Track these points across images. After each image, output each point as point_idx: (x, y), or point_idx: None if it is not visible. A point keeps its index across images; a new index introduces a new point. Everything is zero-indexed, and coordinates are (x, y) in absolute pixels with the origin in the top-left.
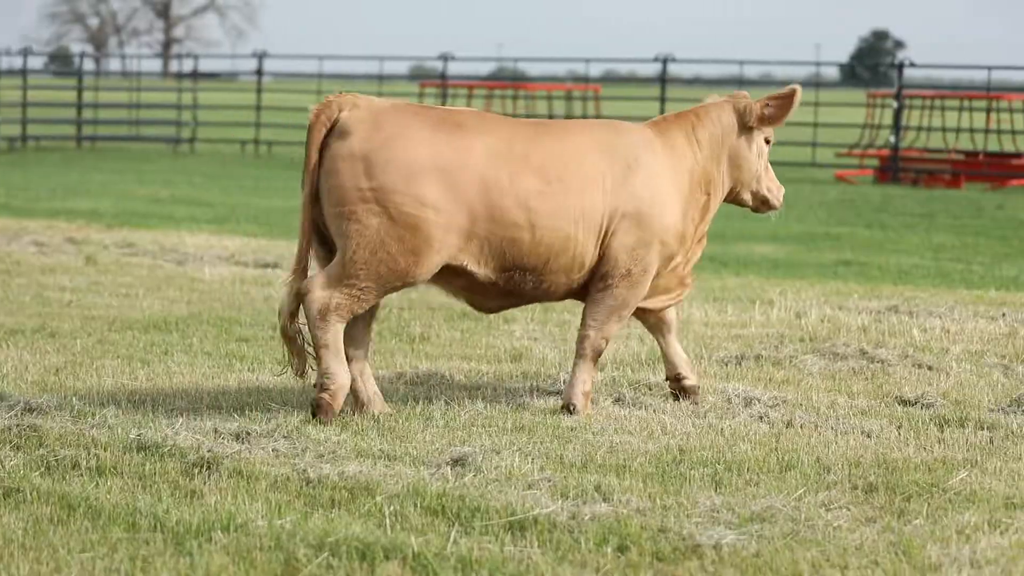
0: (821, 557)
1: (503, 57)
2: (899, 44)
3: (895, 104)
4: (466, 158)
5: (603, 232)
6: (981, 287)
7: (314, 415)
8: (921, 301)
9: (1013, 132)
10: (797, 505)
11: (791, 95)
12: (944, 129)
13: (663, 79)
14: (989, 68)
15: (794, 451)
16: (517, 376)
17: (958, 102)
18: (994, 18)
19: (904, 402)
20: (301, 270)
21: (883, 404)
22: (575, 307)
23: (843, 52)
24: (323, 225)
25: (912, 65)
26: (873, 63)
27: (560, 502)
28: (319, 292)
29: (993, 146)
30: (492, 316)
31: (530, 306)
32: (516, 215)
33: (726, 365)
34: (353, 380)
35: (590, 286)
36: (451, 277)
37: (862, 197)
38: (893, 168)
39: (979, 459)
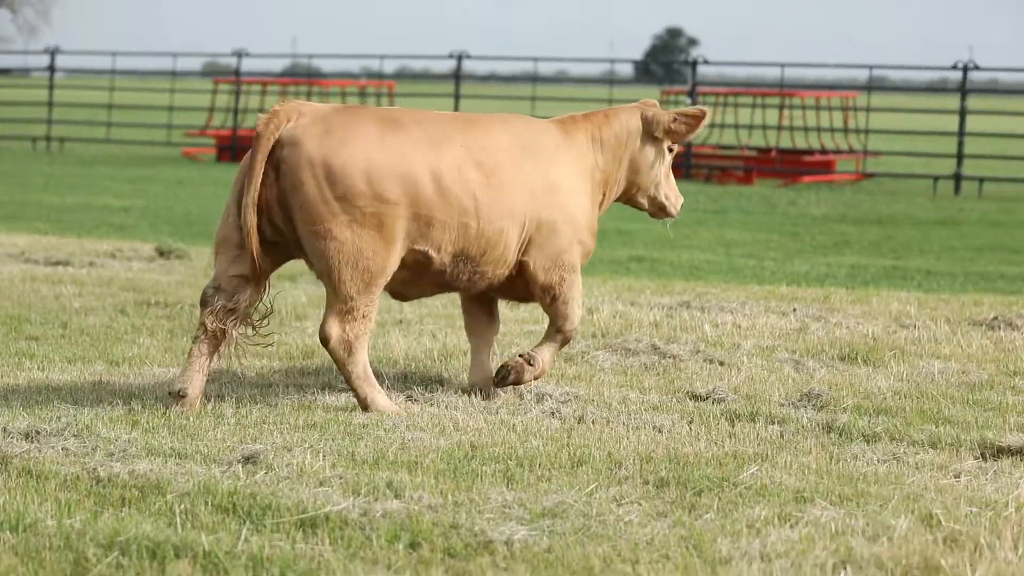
0: (612, 552)
1: (297, 54)
2: (692, 41)
3: (689, 101)
4: (416, 152)
5: (524, 230)
6: (772, 283)
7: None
8: (713, 297)
9: (805, 129)
10: (589, 500)
11: (701, 116)
12: (737, 126)
13: (457, 76)
14: (782, 65)
15: (585, 446)
16: (309, 373)
17: (751, 99)
18: (786, 16)
19: (695, 397)
20: (256, 279)
21: (675, 399)
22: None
23: (637, 49)
24: (274, 234)
25: (706, 62)
26: (667, 60)
27: (352, 499)
28: (337, 333)
29: (785, 143)
30: (283, 314)
31: (322, 304)
32: (467, 203)
33: None
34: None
35: (537, 299)
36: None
37: None
38: (685, 165)
39: (770, 453)
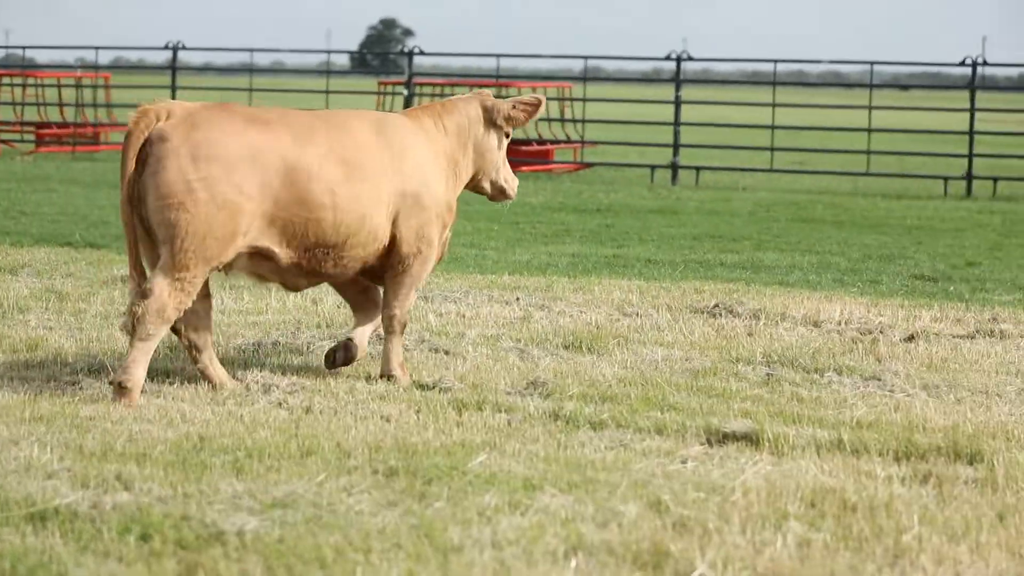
0: (344, 541)
1: (11, 45)
2: (408, 32)
3: (405, 92)
4: (276, 148)
5: (391, 211)
6: (495, 272)
7: (116, 399)
8: (436, 286)
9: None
10: (319, 490)
11: (538, 104)
12: None
13: (174, 67)
14: (498, 56)
15: (314, 437)
16: (33, 366)
17: (467, 90)
18: (502, 8)
19: (422, 386)
20: (139, 273)
21: (400, 388)
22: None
23: (353, 40)
24: (144, 224)
25: (421, 53)
26: (383, 51)
27: (81, 492)
28: (159, 293)
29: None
30: (5, 307)
31: (44, 296)
32: (323, 199)
33: (243, 352)
34: (205, 367)
35: (387, 268)
36: (260, 261)
37: None
38: None
39: (498, 441)
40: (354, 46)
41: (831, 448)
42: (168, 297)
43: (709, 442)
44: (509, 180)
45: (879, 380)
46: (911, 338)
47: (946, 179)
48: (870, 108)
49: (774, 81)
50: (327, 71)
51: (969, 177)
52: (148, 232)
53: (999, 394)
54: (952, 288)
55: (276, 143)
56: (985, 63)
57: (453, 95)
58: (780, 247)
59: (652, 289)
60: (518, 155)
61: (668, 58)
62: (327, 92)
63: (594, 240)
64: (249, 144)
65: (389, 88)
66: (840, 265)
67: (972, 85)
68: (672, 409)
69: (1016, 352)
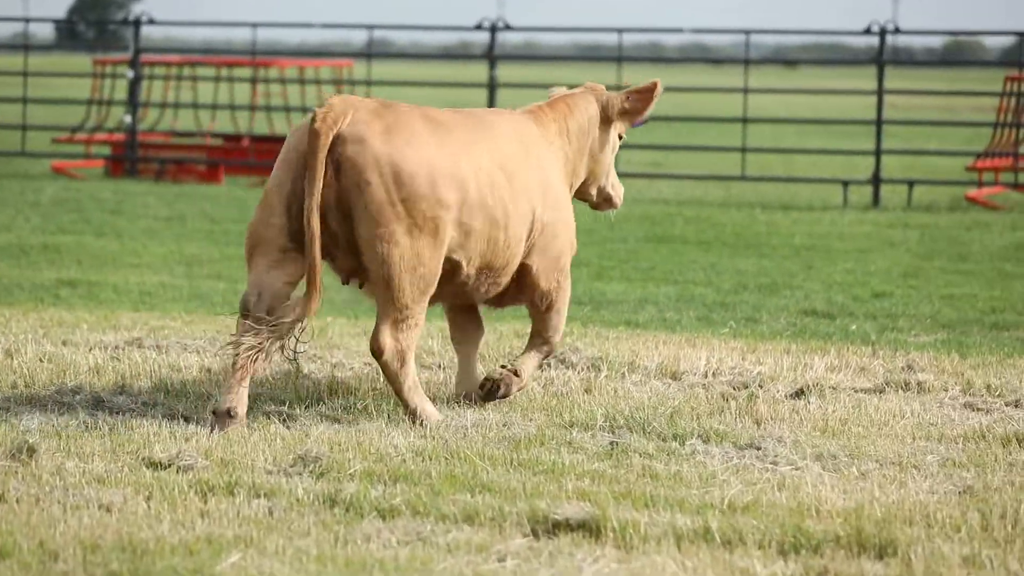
0: None
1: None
2: None
3: (131, 73)
4: (466, 156)
5: (531, 234)
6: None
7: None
8: (172, 331)
9: (287, 109)
10: None
11: (652, 89)
12: (197, 106)
13: None
14: (254, 25)
15: (9, 534)
16: None
17: (214, 70)
18: None
19: (154, 464)
20: (316, 292)
21: (126, 468)
22: None
23: (58, 6)
24: (335, 238)
25: (151, 22)
26: (99, 19)
27: None
28: (391, 344)
29: (261, 128)
30: None
31: None
32: (498, 213)
33: None
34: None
35: (530, 306)
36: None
37: (90, 196)
38: (130, 158)
39: (255, 536)
40: (60, 12)
41: (695, 539)
42: (399, 341)
43: (535, 533)
44: (616, 187)
45: (758, 449)
46: (800, 393)
47: (846, 183)
48: (746, 91)
49: (619, 56)
50: (24, 46)
51: (876, 181)
52: (337, 241)
53: (916, 466)
54: (854, 327)
55: (460, 148)
56: (897, 31)
57: (195, 78)
58: (628, 275)
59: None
60: (228, 154)
61: (479, 27)
62: (25, 75)
63: None
64: (441, 150)
65: (111, 68)
66: (707, 298)
67: (880, 59)
68: (486, 490)
69: (938, 411)
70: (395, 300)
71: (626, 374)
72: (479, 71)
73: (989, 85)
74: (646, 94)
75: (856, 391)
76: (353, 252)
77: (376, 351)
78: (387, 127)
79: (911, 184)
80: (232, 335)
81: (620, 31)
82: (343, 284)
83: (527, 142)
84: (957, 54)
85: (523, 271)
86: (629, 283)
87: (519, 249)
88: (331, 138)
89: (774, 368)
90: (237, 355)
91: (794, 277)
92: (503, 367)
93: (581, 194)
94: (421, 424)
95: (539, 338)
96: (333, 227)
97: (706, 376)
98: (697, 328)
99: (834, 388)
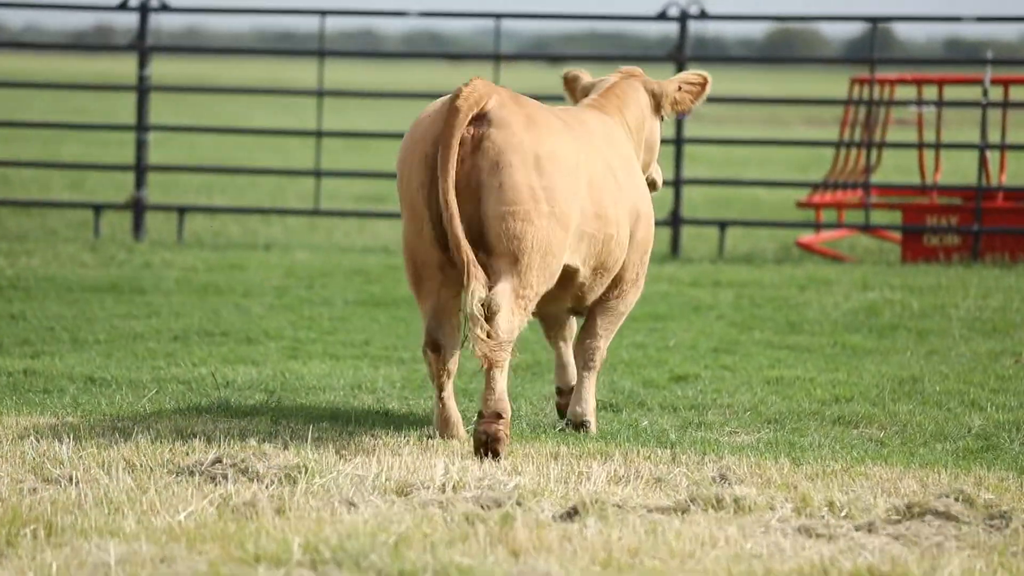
0: None
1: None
2: None
3: None
4: (583, 157)
5: (629, 231)
6: None
7: (487, 450)
8: None
9: None
10: None
11: (703, 83)
12: None
13: None
14: None
15: None
16: None
17: None
18: None
19: None
20: (471, 268)
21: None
22: None
23: None
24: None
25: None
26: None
27: None
28: (507, 307)
29: None
30: None
31: None
32: (611, 212)
33: None
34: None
35: (600, 296)
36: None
37: None
38: None
39: None
40: None
41: None
42: (513, 315)
43: None
44: (657, 173)
45: None
46: (573, 514)
47: None
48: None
49: (321, 51)
50: None
51: (676, 221)
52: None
53: None
54: (646, 423)
55: (588, 145)
56: (704, 15)
57: None
58: (334, 351)
59: (101, 431)
60: None
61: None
62: None
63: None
64: (575, 147)
65: None
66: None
67: (680, 54)
68: None
69: (763, 537)
70: (521, 275)
71: (334, 488)
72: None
73: (829, 89)
74: (697, 88)
75: (650, 510)
76: (476, 242)
77: (492, 307)
78: (528, 116)
79: (723, 226)
80: (432, 369)
81: (323, 13)
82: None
83: (615, 139)
84: (786, 47)
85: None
86: (336, 362)
87: (626, 247)
88: (469, 118)
89: (537, 479)
90: (442, 389)
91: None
92: (568, 421)
93: None
94: (501, 404)
95: (591, 340)
96: (461, 205)
97: (444, 491)
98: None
99: (619, 507)
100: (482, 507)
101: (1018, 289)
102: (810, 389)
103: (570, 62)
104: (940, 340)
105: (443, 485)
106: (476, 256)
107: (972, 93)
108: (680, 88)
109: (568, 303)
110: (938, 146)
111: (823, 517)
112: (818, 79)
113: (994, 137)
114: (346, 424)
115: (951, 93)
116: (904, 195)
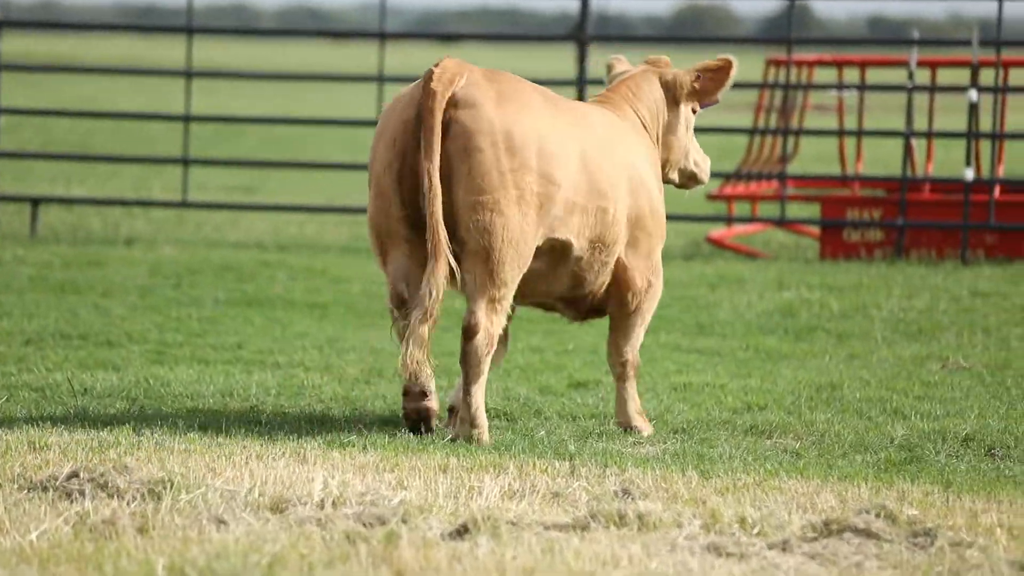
0: None
1: None
2: None
3: None
4: (573, 133)
5: (626, 229)
6: None
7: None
8: None
9: None
10: None
11: (726, 68)
12: None
13: None
14: None
15: None
16: None
17: None
18: None
19: None
20: (442, 255)
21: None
22: None
23: None
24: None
25: None
26: None
27: None
28: (485, 325)
29: None
30: None
31: None
32: (605, 186)
33: None
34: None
35: (613, 307)
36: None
37: None
38: None
39: None
40: None
41: None
42: (491, 324)
43: None
44: (700, 163)
45: None
46: (463, 531)
47: None
48: (380, 79)
49: (189, 27)
50: None
51: None
52: (423, 216)
53: None
54: (543, 433)
55: (573, 123)
56: None
57: None
58: (203, 356)
59: None
60: None
61: None
62: None
63: None
64: (554, 124)
65: None
66: (325, 390)
67: (581, 34)
68: None
69: (669, 556)
70: (494, 275)
71: (202, 504)
72: None
73: (742, 72)
74: (720, 74)
75: (547, 528)
76: (449, 232)
77: (470, 330)
78: (500, 93)
79: None
80: (398, 335)
81: None
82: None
83: (617, 134)
84: (695, 26)
85: (616, 267)
86: (205, 367)
87: (624, 230)
88: (446, 98)
89: (425, 495)
90: (414, 351)
91: (453, 359)
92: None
93: (664, 180)
94: (474, 427)
95: (617, 356)
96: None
97: (323, 507)
98: (311, 436)
99: (514, 523)
100: (364, 525)
101: (945, 288)
102: (720, 396)
103: (461, 41)
104: (861, 343)
105: (322, 501)
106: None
107: (897, 76)
108: (698, 77)
109: (566, 283)
110: (860, 133)
111: (734, 534)
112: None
113: (920, 124)
114: (216, 435)
115: (874, 76)
116: (823, 187)
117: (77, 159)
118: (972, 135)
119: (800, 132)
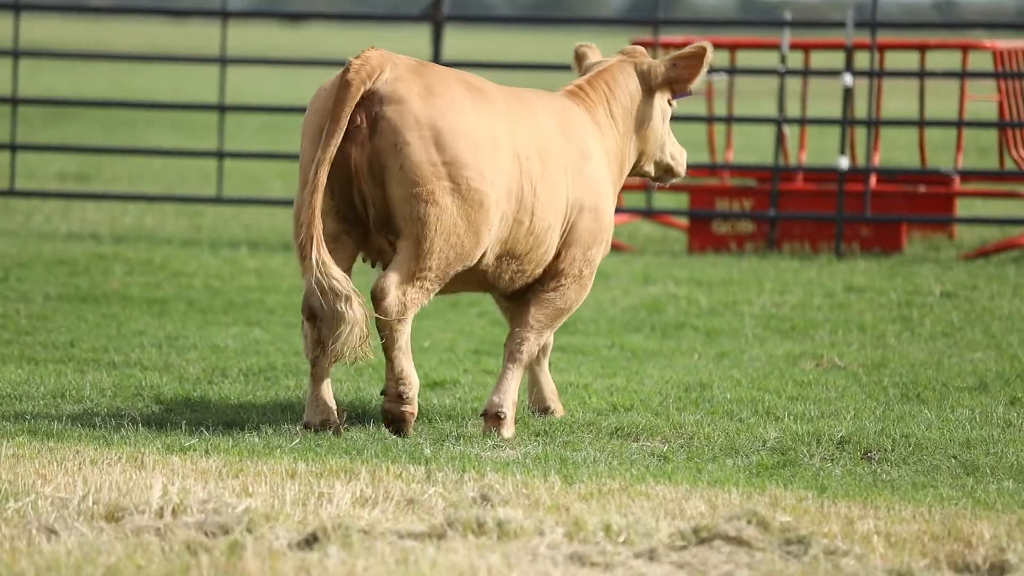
0: None
1: None
2: None
3: None
4: (504, 128)
5: (567, 225)
6: None
7: (394, 429)
8: None
9: None
10: None
11: (700, 54)
12: None
13: None
14: None
15: None
16: None
17: None
18: None
19: None
20: (312, 244)
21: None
22: None
23: None
24: (359, 208)
25: None
26: None
27: None
28: (395, 292)
29: None
30: None
31: None
32: (528, 198)
33: None
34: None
35: (535, 285)
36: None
37: None
38: None
39: None
40: None
41: None
42: (404, 294)
43: None
44: (676, 156)
45: None
46: (312, 541)
47: None
48: (223, 61)
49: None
50: None
51: None
52: (367, 210)
53: None
54: (399, 443)
55: (503, 120)
56: None
57: None
58: (29, 354)
59: None
60: None
61: None
62: None
63: None
64: (487, 120)
65: None
66: (165, 391)
67: (436, 12)
68: None
69: (530, 566)
70: (419, 258)
71: (31, 514)
72: None
73: (607, 54)
74: (694, 61)
75: (401, 536)
76: (385, 224)
77: (377, 294)
78: (427, 87)
79: None
80: (306, 342)
81: None
82: (371, 266)
83: (569, 127)
84: (558, 6)
85: (559, 252)
86: (34, 367)
87: (548, 238)
88: (361, 92)
89: (271, 501)
90: (315, 362)
91: (302, 359)
92: (484, 414)
93: (639, 172)
94: (401, 385)
95: (520, 329)
96: (366, 192)
97: (163, 515)
98: (149, 439)
99: (366, 532)
100: (206, 534)
101: (819, 283)
102: (584, 397)
103: (308, 21)
104: (731, 341)
105: (161, 509)
106: (386, 239)
107: (768, 59)
108: (673, 65)
109: (474, 287)
110: (730, 120)
111: (598, 543)
112: (595, 42)
113: (793, 110)
114: (46, 439)
115: (745, 59)
116: (691, 176)
117: None
118: (847, 122)
119: None
